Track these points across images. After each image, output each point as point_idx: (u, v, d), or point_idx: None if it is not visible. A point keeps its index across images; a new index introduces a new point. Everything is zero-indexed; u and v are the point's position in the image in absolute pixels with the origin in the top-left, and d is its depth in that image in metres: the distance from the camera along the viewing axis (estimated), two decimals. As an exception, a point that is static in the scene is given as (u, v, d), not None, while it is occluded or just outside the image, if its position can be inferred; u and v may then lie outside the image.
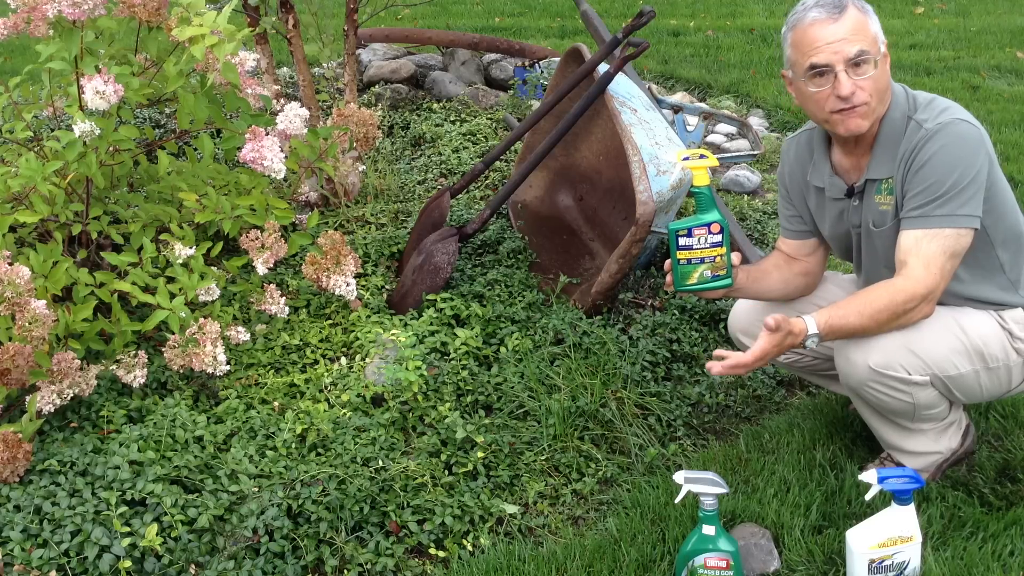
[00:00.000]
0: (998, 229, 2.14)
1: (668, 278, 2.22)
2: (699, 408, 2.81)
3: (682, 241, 2.17)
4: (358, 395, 2.67)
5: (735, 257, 2.22)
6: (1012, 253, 2.17)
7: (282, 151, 2.63)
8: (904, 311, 2.04)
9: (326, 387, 2.74)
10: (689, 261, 2.19)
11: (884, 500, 2.02)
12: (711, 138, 5.11)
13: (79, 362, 2.49)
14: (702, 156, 2.17)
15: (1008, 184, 2.19)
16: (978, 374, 2.15)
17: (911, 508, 1.97)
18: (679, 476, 2.02)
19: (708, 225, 2.15)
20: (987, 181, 2.06)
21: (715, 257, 2.17)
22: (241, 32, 2.56)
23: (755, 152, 4.28)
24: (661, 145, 3.18)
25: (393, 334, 2.85)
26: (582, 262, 3.54)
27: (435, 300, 3.05)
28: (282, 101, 3.28)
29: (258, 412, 2.60)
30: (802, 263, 2.43)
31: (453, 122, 4.77)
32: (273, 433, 2.51)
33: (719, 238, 2.16)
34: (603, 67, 3.21)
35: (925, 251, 2.03)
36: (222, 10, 2.56)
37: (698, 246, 2.17)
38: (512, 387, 2.74)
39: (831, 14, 2.04)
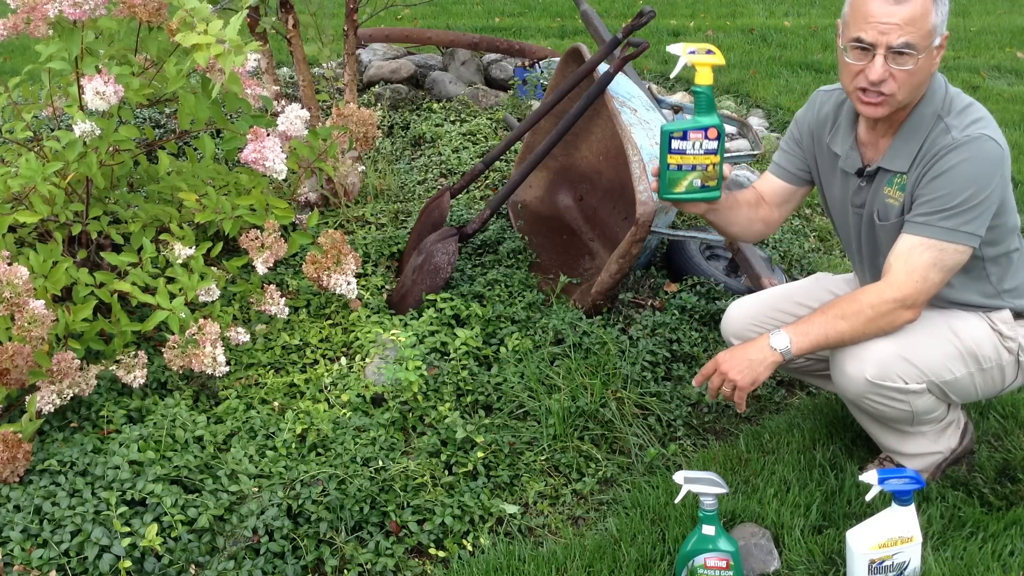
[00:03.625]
0: (993, 249, 2.14)
1: (653, 183, 2.12)
2: (699, 408, 2.81)
3: (675, 144, 2.04)
4: (358, 395, 2.67)
5: (725, 169, 2.11)
6: (1002, 268, 2.18)
7: (283, 152, 2.63)
8: (876, 313, 2.04)
9: (326, 387, 2.74)
10: (680, 167, 2.06)
11: (884, 500, 2.02)
12: (711, 138, 5.10)
13: (79, 362, 2.48)
14: (709, 52, 2.05)
15: (1015, 207, 2.17)
16: (973, 376, 2.16)
17: (911, 508, 1.97)
18: (679, 476, 2.02)
19: (705, 130, 2.04)
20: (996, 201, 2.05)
21: (707, 165, 2.05)
22: (248, 44, 2.55)
23: (755, 152, 4.28)
24: (661, 145, 3.18)
25: (393, 334, 2.85)
26: (582, 262, 3.54)
27: (435, 300, 3.05)
28: (282, 101, 3.28)
29: (258, 412, 2.60)
30: (767, 209, 2.39)
31: (453, 122, 4.77)
32: (273, 433, 2.51)
33: (715, 145, 2.04)
34: (603, 67, 3.21)
35: (914, 259, 2.03)
36: (229, 21, 2.55)
37: (691, 151, 2.04)
38: (512, 387, 2.74)
39: None
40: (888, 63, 1.99)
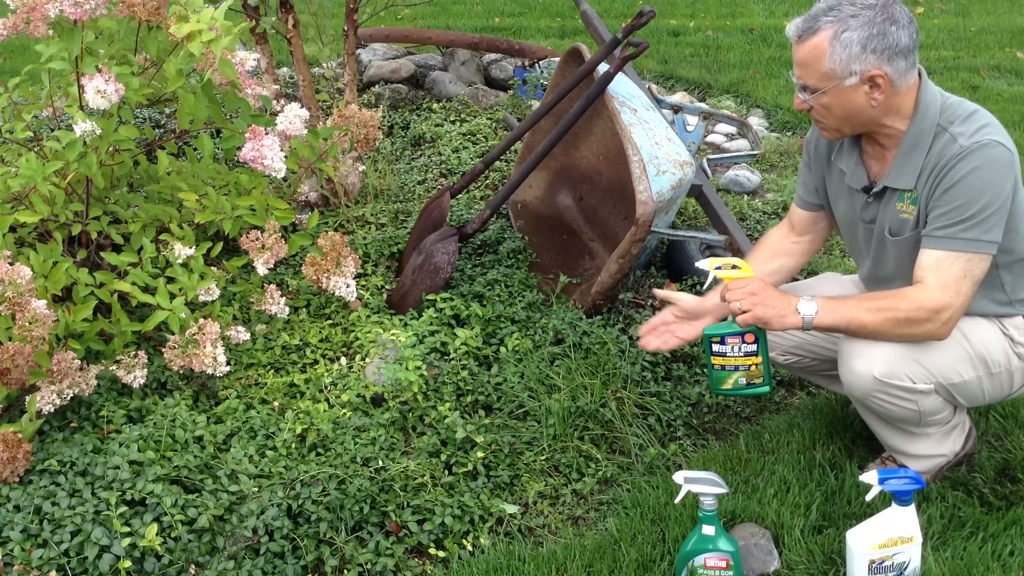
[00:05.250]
0: (1008, 254, 2.11)
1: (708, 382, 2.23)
2: (699, 408, 2.81)
3: (715, 347, 2.16)
4: (358, 395, 2.67)
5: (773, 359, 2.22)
6: (1015, 275, 2.16)
7: (282, 151, 2.63)
8: (908, 318, 2.02)
9: (326, 387, 2.74)
10: (723, 367, 2.17)
11: (884, 500, 2.02)
12: (711, 138, 5.10)
13: (79, 362, 2.48)
14: (734, 267, 2.15)
15: None
16: (981, 380, 2.15)
17: (912, 509, 1.96)
18: (679, 476, 2.02)
19: (742, 335, 2.13)
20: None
21: (750, 366, 2.15)
22: (237, 26, 2.55)
23: (755, 152, 4.28)
24: (661, 145, 3.18)
25: (393, 334, 2.85)
26: (582, 262, 3.54)
27: (435, 300, 3.05)
28: (282, 101, 3.28)
29: (258, 412, 2.60)
30: (805, 241, 2.46)
31: (453, 122, 4.77)
32: (273, 433, 2.51)
33: (754, 348, 2.14)
34: (603, 67, 3.21)
35: (945, 271, 2.01)
36: (220, 6, 2.56)
37: (732, 354, 2.15)
38: (512, 387, 2.74)
39: (795, 36, 2.05)
40: (804, 99, 2.10)
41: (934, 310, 2.01)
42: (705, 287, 2.26)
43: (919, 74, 2.08)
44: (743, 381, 2.17)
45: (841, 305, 2.06)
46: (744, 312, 2.07)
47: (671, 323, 2.35)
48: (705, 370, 2.92)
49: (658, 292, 2.35)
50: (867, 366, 2.09)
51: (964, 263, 2.01)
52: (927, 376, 2.09)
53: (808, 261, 2.54)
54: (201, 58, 2.51)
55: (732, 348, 2.15)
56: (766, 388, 2.19)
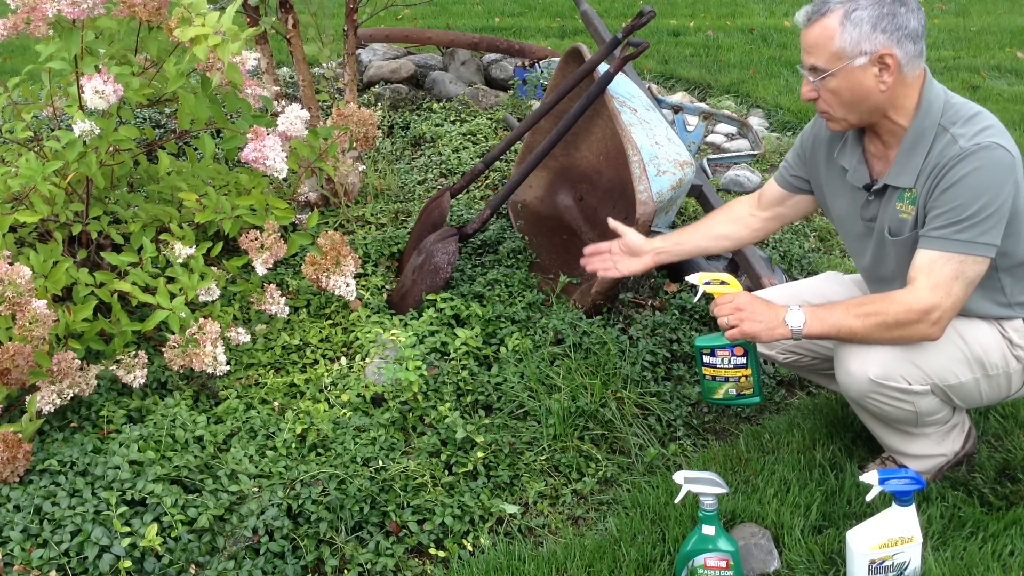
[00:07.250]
0: (1007, 258, 2.10)
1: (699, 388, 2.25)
2: (699, 408, 2.81)
3: (706, 359, 2.20)
4: (358, 395, 2.67)
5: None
6: (1015, 279, 2.15)
7: (283, 151, 2.63)
8: (896, 322, 2.02)
9: (326, 387, 2.74)
10: (714, 378, 2.22)
11: (885, 500, 2.02)
12: (711, 138, 5.10)
13: (79, 362, 2.48)
14: (723, 283, 2.17)
15: None
16: (978, 382, 2.15)
17: (912, 509, 1.96)
18: (679, 476, 2.02)
19: (731, 348, 2.16)
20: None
21: (740, 378, 2.19)
22: (245, 32, 2.55)
23: (755, 152, 4.28)
24: (661, 145, 3.18)
25: (393, 334, 2.85)
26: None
27: (435, 300, 3.05)
28: (282, 101, 3.28)
29: (258, 412, 2.60)
30: (763, 218, 2.50)
31: (453, 122, 4.77)
32: (273, 433, 2.51)
33: (743, 360, 2.16)
34: (603, 67, 3.21)
35: (936, 272, 2.00)
36: (225, 10, 2.55)
37: (722, 366, 2.19)
38: (512, 387, 2.74)
39: (804, 20, 2.07)
40: (812, 81, 2.08)
41: (923, 312, 2.00)
42: (695, 301, 2.29)
43: (924, 71, 2.08)
44: (733, 392, 2.22)
45: (829, 313, 2.06)
46: (731, 328, 2.09)
47: (616, 254, 2.48)
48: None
49: (610, 221, 2.48)
50: (862, 367, 2.09)
51: (957, 264, 2.00)
52: (923, 377, 2.09)
53: (760, 239, 2.56)
54: (205, 61, 2.50)
55: (722, 360, 2.18)
56: (756, 399, 2.22)
